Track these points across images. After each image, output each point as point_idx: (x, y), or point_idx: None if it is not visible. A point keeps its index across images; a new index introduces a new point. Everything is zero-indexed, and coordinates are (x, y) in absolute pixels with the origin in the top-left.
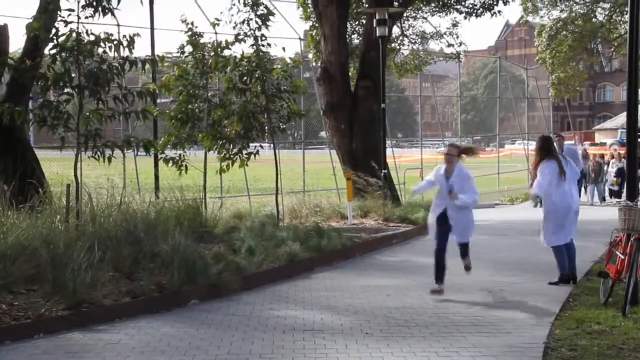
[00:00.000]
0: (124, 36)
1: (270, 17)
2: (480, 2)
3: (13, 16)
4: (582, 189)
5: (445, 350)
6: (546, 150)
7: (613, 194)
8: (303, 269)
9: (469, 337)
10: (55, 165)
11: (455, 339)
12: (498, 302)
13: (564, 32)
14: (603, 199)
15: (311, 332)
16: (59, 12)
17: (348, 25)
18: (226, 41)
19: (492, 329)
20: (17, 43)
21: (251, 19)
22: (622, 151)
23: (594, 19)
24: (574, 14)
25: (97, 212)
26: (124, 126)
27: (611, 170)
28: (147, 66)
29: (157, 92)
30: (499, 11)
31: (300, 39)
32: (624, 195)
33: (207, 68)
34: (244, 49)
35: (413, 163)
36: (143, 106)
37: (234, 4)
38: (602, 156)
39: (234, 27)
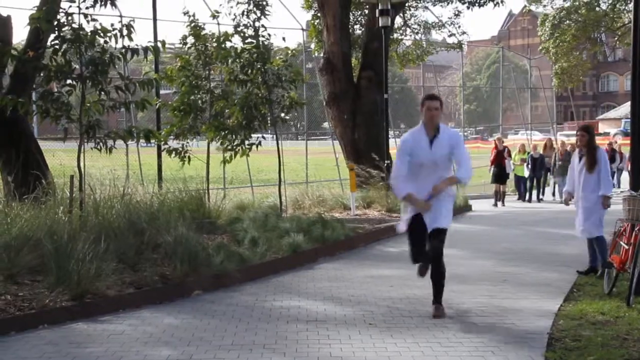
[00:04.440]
0: (124, 25)
1: (268, 7)
2: None
3: (16, 7)
4: (549, 184)
5: (449, 340)
6: (594, 138)
7: None
8: (306, 259)
9: (472, 328)
10: (59, 156)
11: (459, 329)
12: (501, 292)
13: (568, 22)
14: None
15: (314, 322)
16: (60, 3)
17: (350, 15)
18: (226, 33)
19: (496, 319)
20: (20, 34)
21: (250, 10)
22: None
23: (597, 8)
24: (577, 3)
25: (100, 203)
26: (127, 117)
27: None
28: (150, 57)
29: (159, 82)
30: (502, 0)
31: (302, 29)
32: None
33: (209, 59)
34: (244, 41)
35: None
36: (144, 96)
37: None
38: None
39: (234, 19)
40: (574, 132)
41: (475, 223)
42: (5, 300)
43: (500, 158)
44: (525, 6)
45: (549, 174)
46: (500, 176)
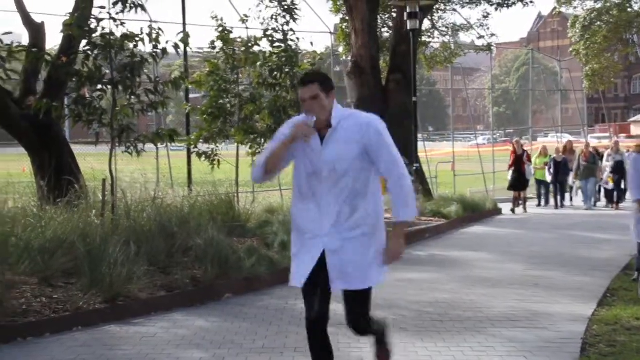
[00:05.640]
0: (153, 29)
1: (297, 10)
2: None
3: (50, 14)
4: (571, 189)
5: (480, 345)
6: None
7: (608, 195)
8: None
9: (504, 332)
10: (91, 160)
11: (491, 334)
12: (533, 296)
13: (599, 23)
14: (595, 203)
15: (345, 326)
16: (92, 10)
17: (378, 18)
18: (255, 37)
19: (528, 324)
20: (54, 40)
21: (279, 15)
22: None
23: (629, 9)
24: (608, 4)
25: (132, 207)
26: (157, 121)
27: (606, 164)
28: (179, 61)
29: (186, 80)
30: (531, 1)
31: (330, 32)
32: (627, 197)
33: (238, 63)
34: (272, 45)
35: (445, 157)
36: (168, 95)
37: (262, 1)
38: (596, 149)
39: (262, 23)
40: (606, 134)
41: (505, 226)
42: (40, 303)
43: (519, 163)
44: (555, 8)
45: (570, 178)
46: (519, 182)
